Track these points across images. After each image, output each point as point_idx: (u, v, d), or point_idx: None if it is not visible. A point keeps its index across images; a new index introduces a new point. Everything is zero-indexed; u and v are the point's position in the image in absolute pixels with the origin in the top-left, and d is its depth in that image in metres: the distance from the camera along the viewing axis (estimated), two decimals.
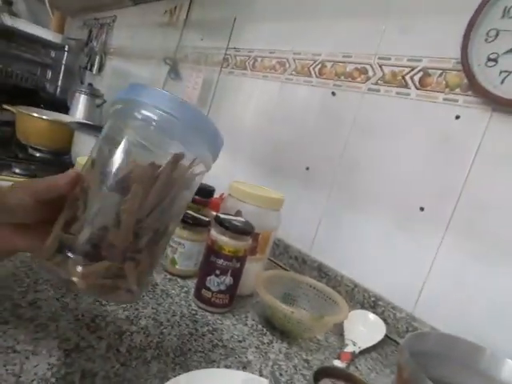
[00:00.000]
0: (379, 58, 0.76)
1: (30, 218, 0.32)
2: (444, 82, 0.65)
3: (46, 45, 2.19)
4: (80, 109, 1.48)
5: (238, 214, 0.61)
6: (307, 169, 0.87)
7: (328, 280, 0.77)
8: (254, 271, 0.64)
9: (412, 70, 0.70)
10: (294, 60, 0.94)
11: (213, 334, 0.50)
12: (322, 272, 0.79)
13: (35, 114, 1.12)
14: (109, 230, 0.29)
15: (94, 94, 1.54)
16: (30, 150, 1.17)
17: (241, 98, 1.09)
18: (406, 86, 0.71)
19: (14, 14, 2.30)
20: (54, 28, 2.32)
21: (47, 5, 2.19)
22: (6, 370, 0.33)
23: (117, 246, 0.29)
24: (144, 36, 1.68)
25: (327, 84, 0.85)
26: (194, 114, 0.32)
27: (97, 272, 0.28)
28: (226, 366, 0.44)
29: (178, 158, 0.30)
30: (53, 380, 0.34)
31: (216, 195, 0.75)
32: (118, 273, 0.29)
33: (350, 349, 0.56)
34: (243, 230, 0.55)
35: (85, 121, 1.32)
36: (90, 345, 0.40)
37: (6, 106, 1.19)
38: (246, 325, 0.56)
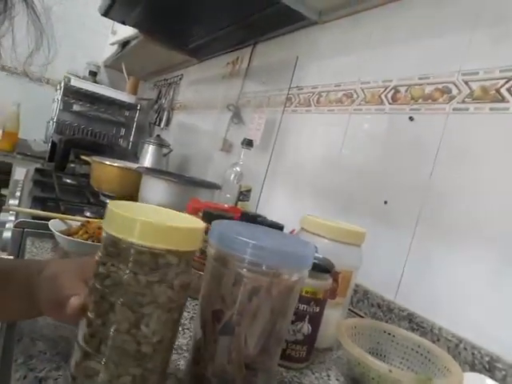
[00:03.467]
0: (463, 75, 0.68)
1: None
2: None
3: (121, 105, 2.41)
4: (148, 158, 1.55)
5: None
6: (385, 203, 0.77)
7: (422, 333, 0.63)
8: (334, 319, 0.54)
9: (508, 81, 0.60)
10: (363, 90, 0.88)
11: None
12: (413, 323, 0.66)
13: (107, 162, 1.18)
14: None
15: (160, 144, 1.61)
16: (102, 197, 1.22)
17: (305, 134, 1.05)
18: (503, 99, 0.61)
19: (97, 82, 2.60)
20: (129, 90, 2.56)
21: (124, 71, 2.44)
22: None
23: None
24: (207, 88, 1.77)
25: (403, 109, 0.78)
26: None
27: None
28: None
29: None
30: None
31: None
32: None
33: None
34: (323, 267, 0.47)
35: (151, 167, 1.36)
36: None
37: (82, 157, 1.27)
38: None
